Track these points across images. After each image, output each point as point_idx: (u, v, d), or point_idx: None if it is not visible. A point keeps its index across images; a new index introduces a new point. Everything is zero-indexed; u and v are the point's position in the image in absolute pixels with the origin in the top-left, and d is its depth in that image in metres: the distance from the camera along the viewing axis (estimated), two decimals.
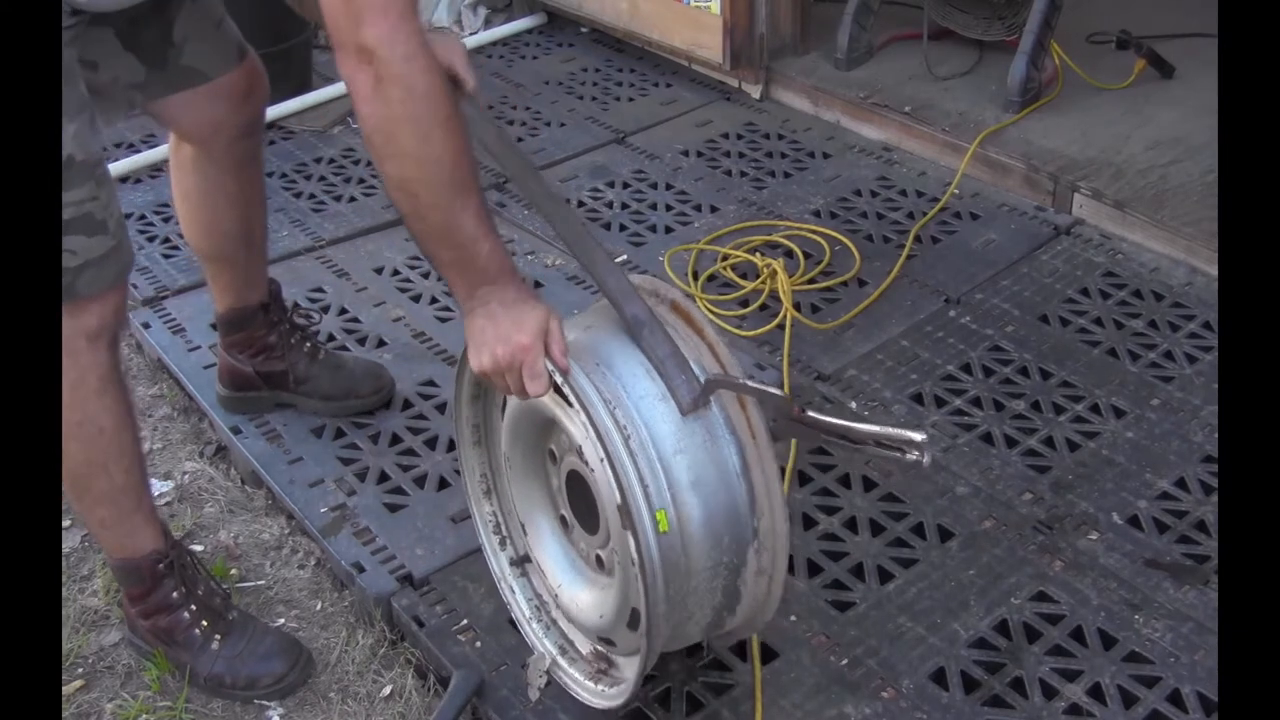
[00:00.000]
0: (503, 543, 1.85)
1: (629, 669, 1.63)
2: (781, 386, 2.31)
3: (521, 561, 1.83)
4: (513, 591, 1.82)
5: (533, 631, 1.79)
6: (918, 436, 1.38)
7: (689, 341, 1.54)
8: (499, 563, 1.85)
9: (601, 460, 1.44)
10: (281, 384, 2.29)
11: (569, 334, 1.55)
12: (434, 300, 2.61)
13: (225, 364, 2.29)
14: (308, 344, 2.31)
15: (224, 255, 2.15)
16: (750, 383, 1.49)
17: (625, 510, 1.44)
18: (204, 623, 1.85)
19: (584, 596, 1.69)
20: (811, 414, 1.49)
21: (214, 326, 2.28)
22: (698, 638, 1.64)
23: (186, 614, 1.85)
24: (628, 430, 1.47)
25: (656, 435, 1.48)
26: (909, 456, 1.39)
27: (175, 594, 1.85)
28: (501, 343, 1.48)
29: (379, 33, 1.36)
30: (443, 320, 2.58)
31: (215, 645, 1.85)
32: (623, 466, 1.44)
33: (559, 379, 1.47)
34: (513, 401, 1.68)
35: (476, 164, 1.48)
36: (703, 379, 1.49)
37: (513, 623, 1.86)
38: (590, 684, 1.71)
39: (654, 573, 1.45)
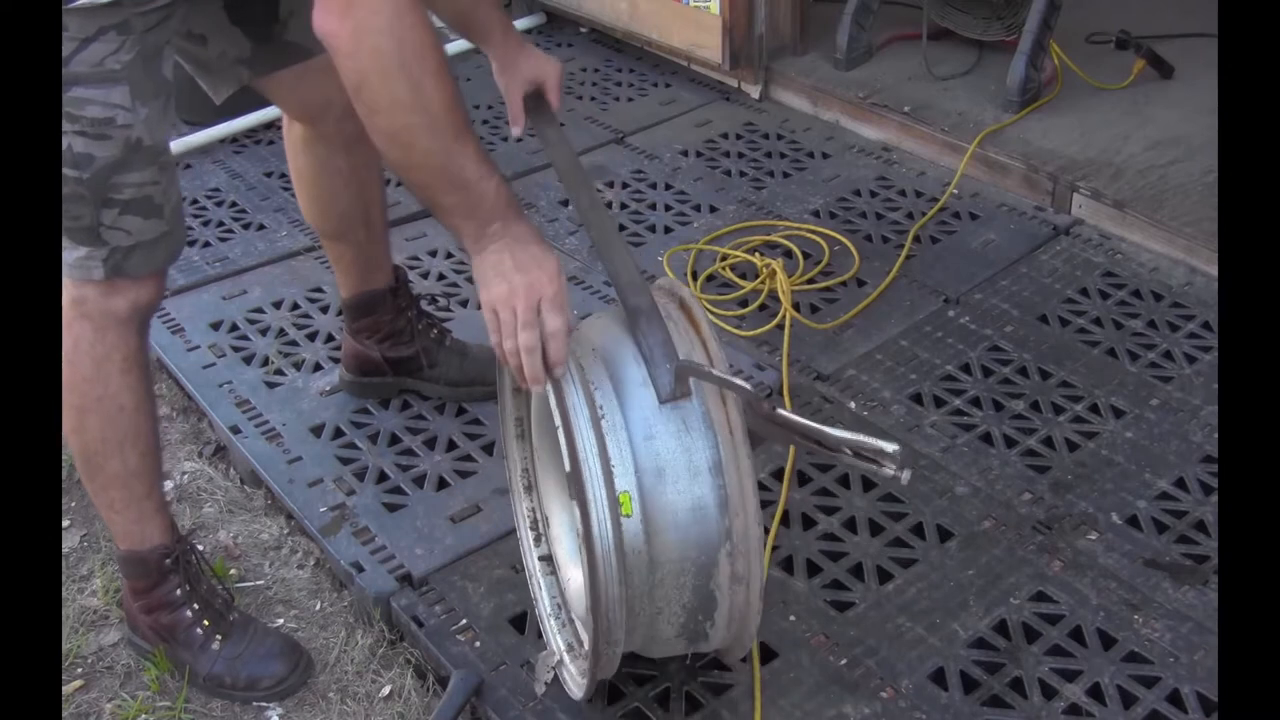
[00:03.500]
0: (537, 540, 1.86)
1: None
2: (781, 388, 2.31)
3: (549, 558, 1.83)
4: (540, 587, 1.82)
5: (550, 628, 1.79)
6: (890, 447, 1.33)
7: (686, 336, 1.54)
8: (531, 559, 1.85)
9: (558, 427, 1.45)
10: (409, 369, 2.31)
11: (579, 328, 1.57)
12: (433, 300, 2.61)
13: (351, 349, 2.31)
14: (435, 330, 2.32)
15: (343, 235, 2.17)
16: (719, 374, 1.48)
17: (575, 478, 1.43)
18: (205, 622, 1.86)
19: (578, 580, 1.69)
20: (783, 413, 1.45)
21: (339, 313, 2.30)
22: (677, 641, 1.61)
23: (189, 612, 1.85)
24: (603, 410, 1.47)
25: (631, 419, 1.48)
26: (885, 470, 1.35)
27: (179, 591, 1.85)
28: (520, 272, 1.47)
29: None
30: (442, 320, 2.57)
31: (216, 645, 1.85)
32: (581, 436, 1.44)
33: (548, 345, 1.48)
34: (537, 390, 1.73)
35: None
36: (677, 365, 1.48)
37: (513, 621, 1.86)
38: (578, 675, 1.71)
39: (607, 549, 1.44)
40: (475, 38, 1.96)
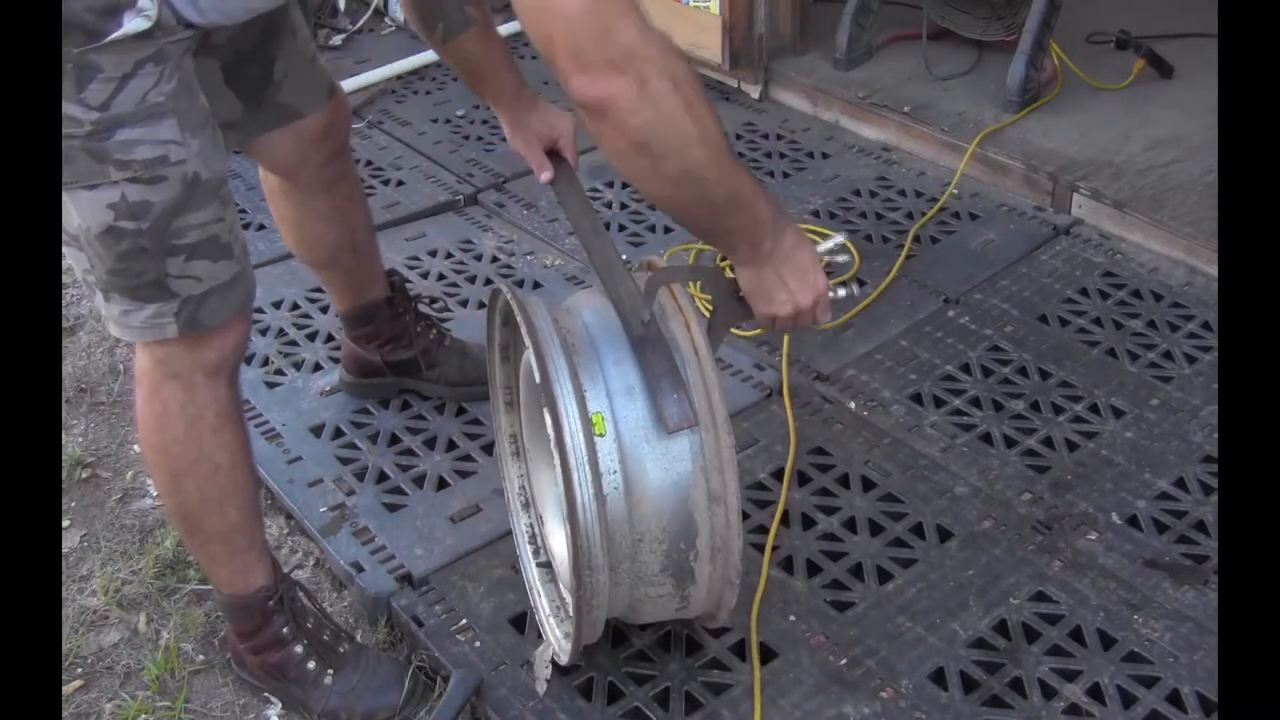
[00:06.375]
0: (536, 552, 1.88)
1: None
2: (781, 388, 2.31)
3: (547, 565, 1.85)
4: (539, 595, 1.83)
5: (550, 626, 1.79)
6: (838, 237, 1.64)
7: (641, 275, 1.67)
8: (531, 572, 1.87)
9: (531, 352, 1.51)
10: (409, 371, 2.31)
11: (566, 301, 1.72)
12: (433, 300, 2.61)
13: (351, 351, 2.31)
14: (434, 331, 2.32)
15: (332, 265, 2.17)
16: (680, 266, 1.66)
17: (548, 400, 1.48)
18: (316, 657, 1.80)
19: (564, 548, 1.70)
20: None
21: (339, 316, 2.30)
22: (664, 581, 1.59)
23: (298, 649, 1.79)
24: (572, 341, 1.56)
25: (600, 349, 1.55)
26: (839, 293, 1.62)
27: (285, 629, 1.79)
28: (790, 292, 1.55)
29: (632, 34, 1.31)
30: (441, 320, 2.57)
31: (328, 680, 1.79)
32: (551, 353, 1.51)
33: (510, 299, 1.57)
34: (525, 392, 1.81)
35: None
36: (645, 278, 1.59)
37: (513, 621, 1.87)
38: (564, 640, 1.73)
39: (581, 463, 1.48)
40: (488, 95, 1.95)
